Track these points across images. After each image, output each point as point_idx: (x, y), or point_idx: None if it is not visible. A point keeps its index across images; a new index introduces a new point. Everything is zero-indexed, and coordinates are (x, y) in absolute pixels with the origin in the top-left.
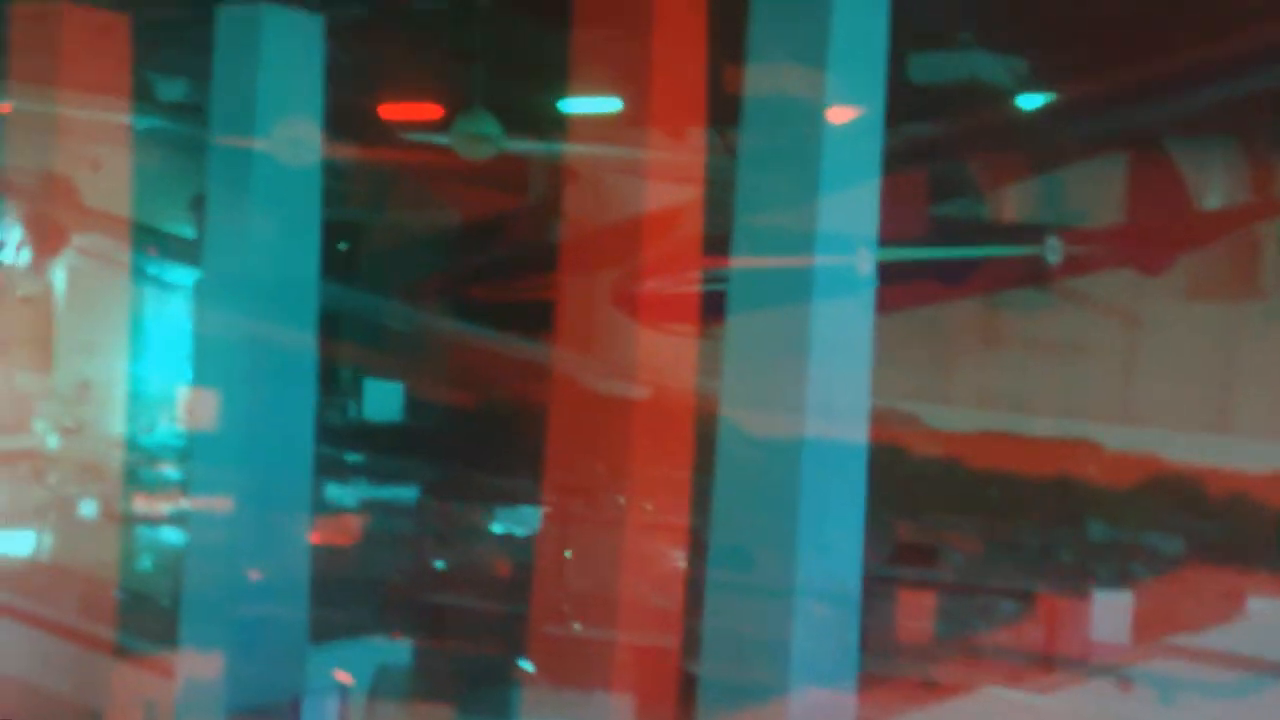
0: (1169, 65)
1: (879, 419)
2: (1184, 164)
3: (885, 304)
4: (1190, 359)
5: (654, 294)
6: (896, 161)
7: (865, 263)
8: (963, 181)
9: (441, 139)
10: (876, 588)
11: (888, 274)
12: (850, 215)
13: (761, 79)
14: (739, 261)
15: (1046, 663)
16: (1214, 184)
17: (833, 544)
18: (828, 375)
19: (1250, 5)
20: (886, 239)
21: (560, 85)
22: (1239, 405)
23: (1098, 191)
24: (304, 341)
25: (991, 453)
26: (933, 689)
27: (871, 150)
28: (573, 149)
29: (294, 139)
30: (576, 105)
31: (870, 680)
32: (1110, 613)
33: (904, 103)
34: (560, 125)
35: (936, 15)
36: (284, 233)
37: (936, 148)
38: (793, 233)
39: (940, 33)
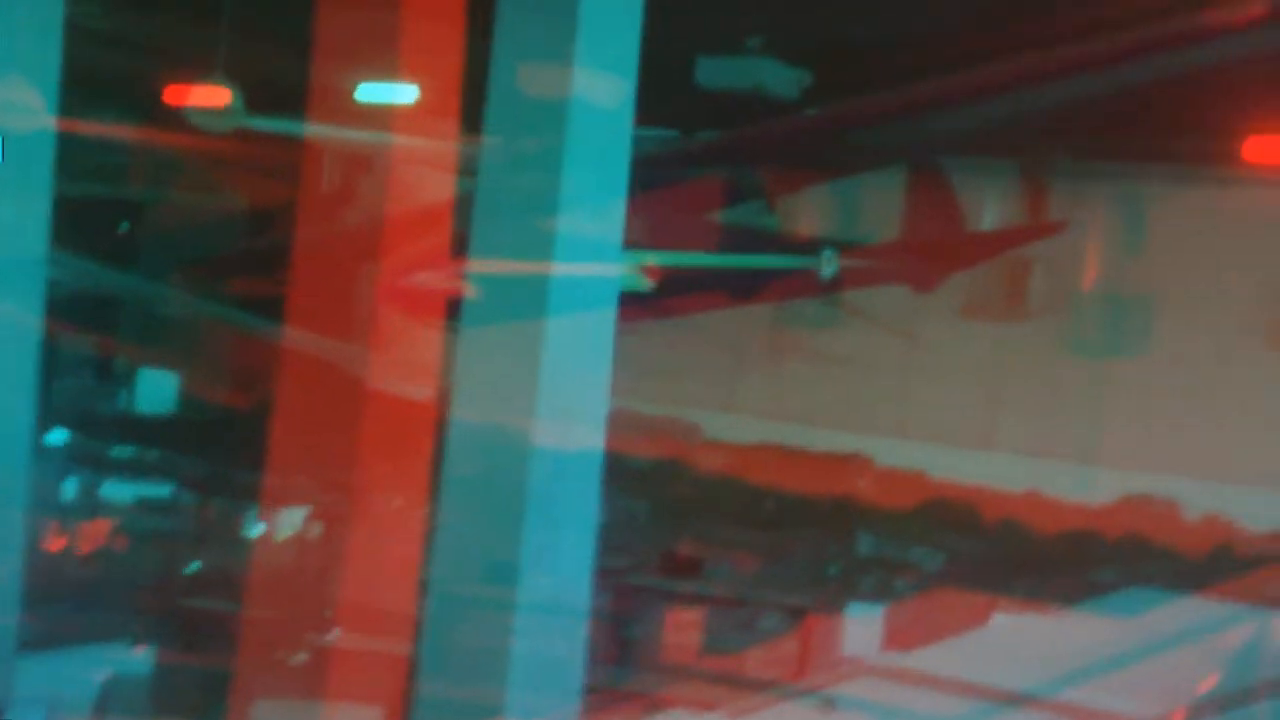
0: (947, 84)
1: (659, 428)
2: (960, 184)
3: (665, 311)
4: (961, 377)
5: (422, 289)
6: (678, 167)
7: (608, 269)
8: (745, 191)
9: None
10: (632, 600)
11: (667, 281)
12: (594, 221)
13: (506, 76)
14: (477, 264)
15: (767, 682)
16: (989, 205)
17: (561, 554)
18: (562, 383)
19: (1028, 29)
20: (665, 245)
21: (336, 67)
22: (1004, 423)
23: (877, 207)
24: (25, 324)
25: (770, 465)
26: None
27: (619, 156)
28: (363, 136)
29: (14, 103)
30: (369, 92)
31: (597, 695)
32: (862, 629)
33: (689, 108)
34: (341, 109)
35: (725, 21)
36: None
37: (719, 155)
38: (532, 237)
39: (729, 39)
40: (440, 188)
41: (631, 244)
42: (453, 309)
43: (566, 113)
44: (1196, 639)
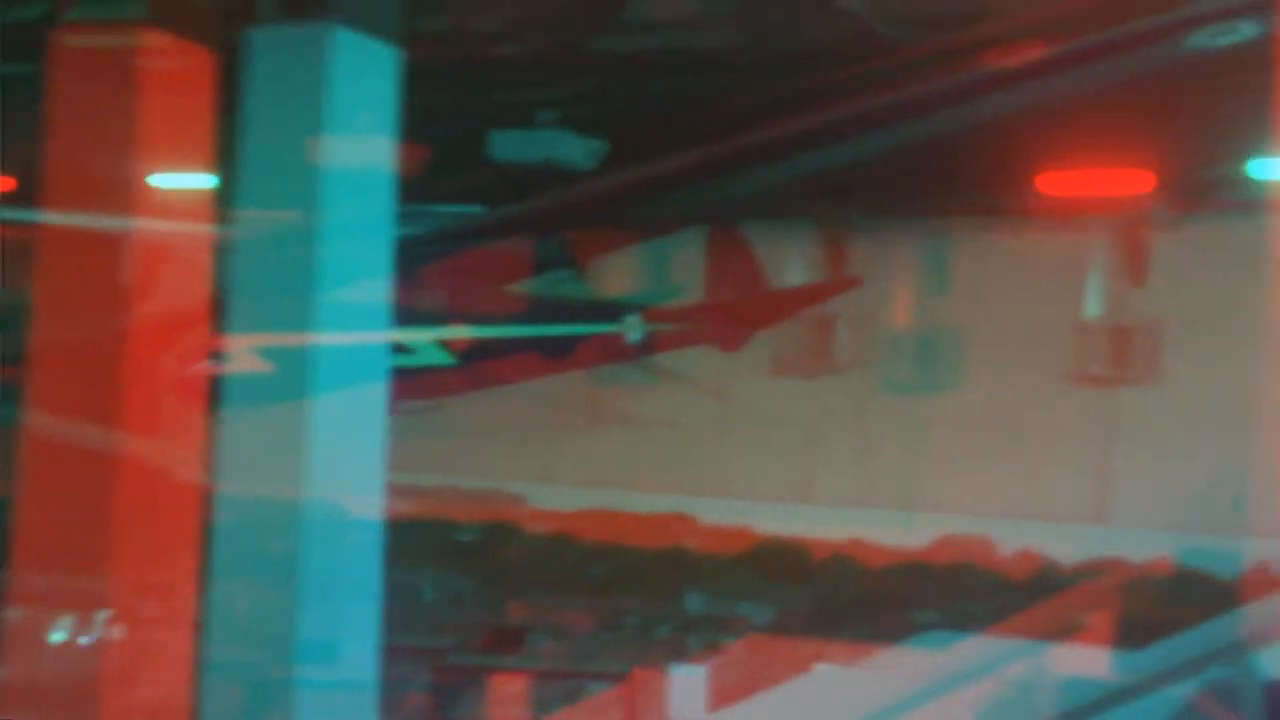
0: (738, 145)
1: (482, 500)
2: (760, 244)
3: (478, 381)
4: (777, 432)
5: (183, 370)
6: (481, 239)
7: (375, 339)
8: (550, 260)
9: None
10: (456, 678)
11: (478, 351)
12: (357, 292)
13: (256, 151)
14: (238, 341)
15: None
16: (789, 263)
17: (343, 630)
18: (332, 457)
19: (818, 83)
20: (472, 317)
21: (78, 150)
22: (819, 476)
23: (680, 271)
24: None
25: (594, 531)
26: None
27: (380, 227)
28: (112, 219)
29: None
30: (117, 173)
31: None
32: (687, 688)
33: (490, 182)
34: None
35: (517, 95)
36: None
37: (520, 226)
38: (292, 311)
39: (521, 112)
40: (198, 266)
41: (438, 316)
42: (216, 389)
43: (320, 186)
44: (1010, 672)
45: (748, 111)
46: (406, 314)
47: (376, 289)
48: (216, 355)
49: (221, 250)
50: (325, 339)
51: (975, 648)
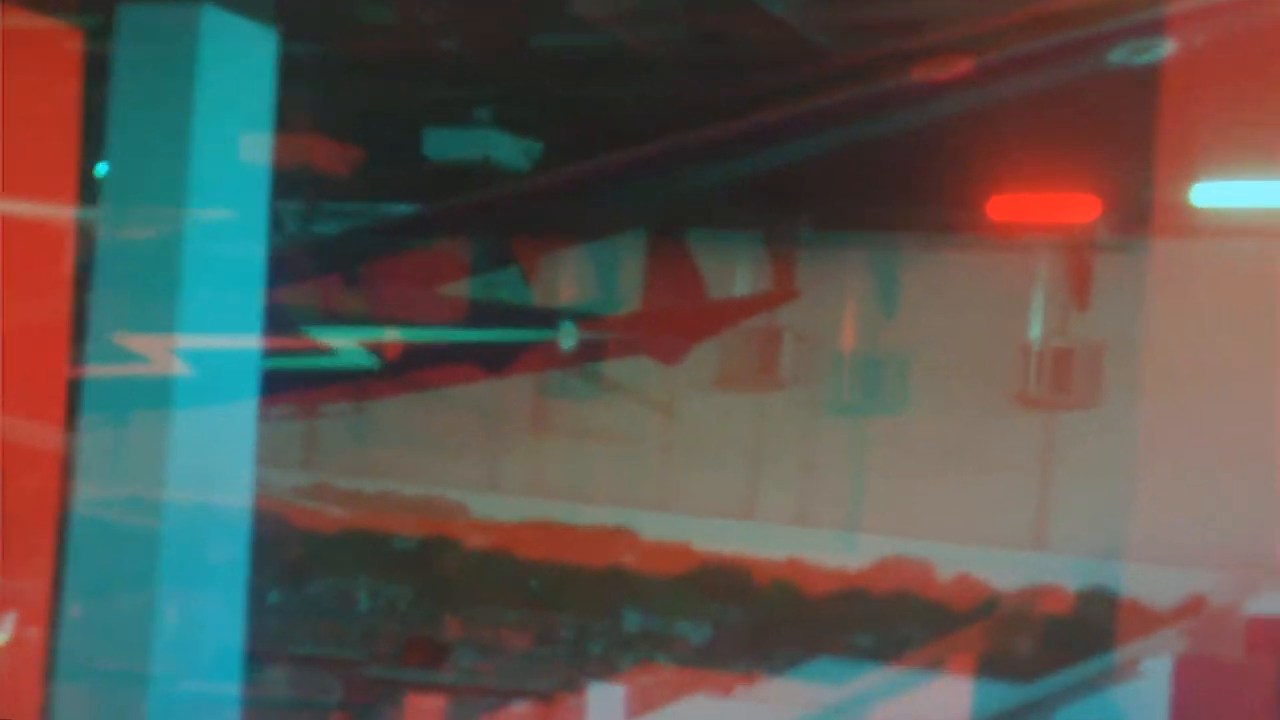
0: (676, 147)
1: (424, 508)
2: (701, 254)
3: (414, 385)
4: (719, 448)
5: (45, 369)
6: (412, 239)
7: (245, 343)
8: (484, 264)
9: None
10: (373, 691)
11: (413, 355)
12: (226, 291)
13: (124, 134)
14: (101, 341)
15: None
16: (732, 274)
17: (201, 634)
18: (197, 460)
19: (755, 89)
20: (402, 319)
21: None
22: (762, 493)
23: (619, 280)
24: None
25: (534, 543)
26: None
27: (254, 226)
28: None
29: None
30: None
31: None
32: (606, 707)
33: (417, 178)
34: None
35: (453, 93)
36: None
37: (453, 226)
38: (156, 311)
39: (457, 110)
40: (59, 258)
41: (364, 317)
42: (76, 388)
43: (188, 176)
44: (918, 699)
45: (685, 115)
46: (329, 314)
47: (249, 286)
48: (78, 353)
49: (85, 243)
50: (191, 338)
51: (889, 676)
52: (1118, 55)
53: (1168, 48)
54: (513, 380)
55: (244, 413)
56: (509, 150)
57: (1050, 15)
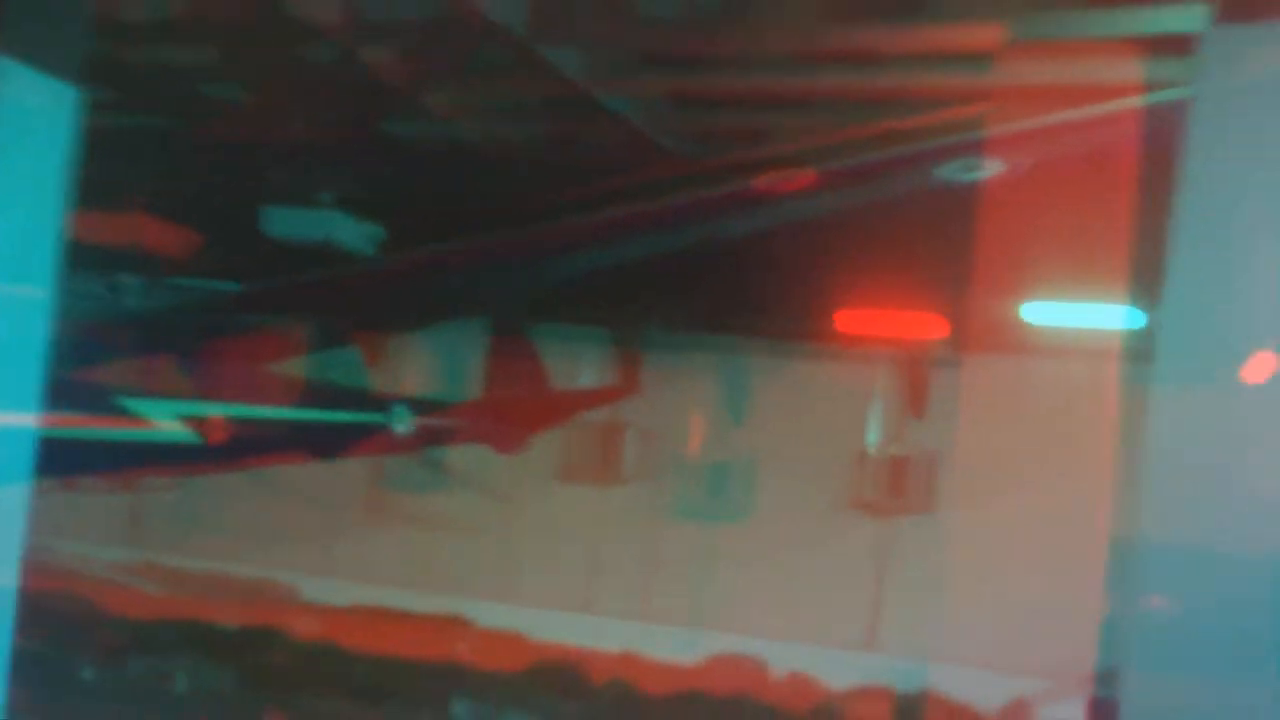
0: (516, 240)
1: (251, 591)
2: (546, 348)
3: (243, 466)
4: (560, 540)
5: None
6: (244, 317)
7: (21, 418)
8: (319, 344)
9: None
10: None
11: (245, 435)
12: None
13: None
14: None
15: None
16: (574, 368)
17: None
18: None
19: (599, 188)
20: (223, 394)
21: None
22: (601, 587)
23: (457, 367)
24: None
25: (367, 629)
26: None
27: (38, 292)
28: None
29: None
30: None
31: None
32: None
33: (256, 257)
34: None
35: (298, 175)
36: None
37: (287, 304)
38: None
39: (300, 191)
40: None
41: (187, 393)
42: None
43: None
44: None
45: (533, 209)
46: (156, 390)
47: (26, 361)
48: None
49: None
50: None
51: None
52: (951, 171)
53: (999, 166)
54: (349, 464)
55: (14, 491)
56: (351, 233)
57: (893, 132)
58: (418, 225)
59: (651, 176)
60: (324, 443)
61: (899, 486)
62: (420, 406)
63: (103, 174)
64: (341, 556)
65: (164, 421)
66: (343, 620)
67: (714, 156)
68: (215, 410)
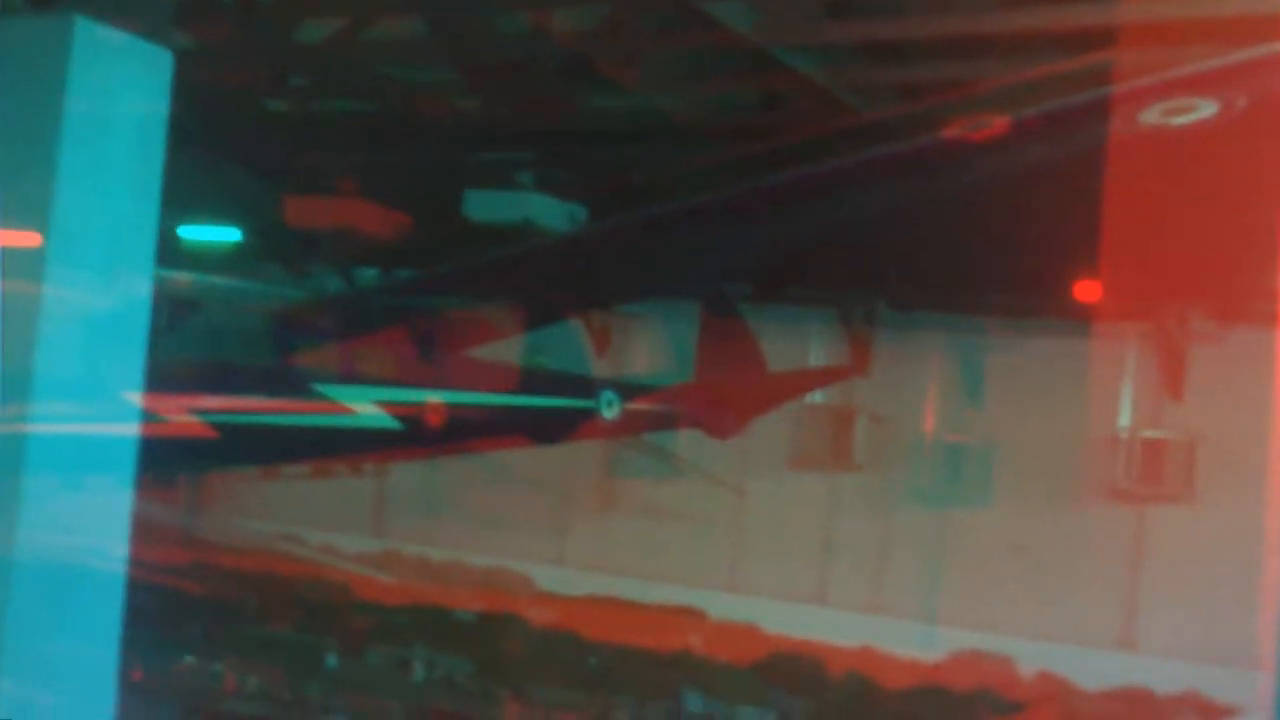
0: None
1: (488, 579)
2: (768, 329)
3: (465, 451)
4: (791, 530)
5: None
6: (447, 300)
7: (124, 397)
8: (525, 326)
9: None
10: None
11: (469, 422)
12: (96, 336)
13: None
14: None
15: None
16: (798, 350)
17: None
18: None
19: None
20: (442, 383)
21: None
22: (835, 578)
23: (674, 349)
24: None
25: (598, 619)
26: None
27: (133, 260)
28: None
29: None
30: None
31: None
32: None
33: (458, 240)
34: None
35: (499, 158)
36: None
37: (489, 287)
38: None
39: (501, 174)
40: None
41: (390, 379)
42: None
43: (54, 207)
44: None
45: (730, 177)
46: (354, 374)
47: (127, 333)
48: None
49: None
50: (52, 390)
51: None
52: (1176, 114)
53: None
54: (577, 453)
55: (114, 473)
56: (552, 212)
57: (1102, 69)
58: (619, 201)
59: (850, 133)
60: (534, 428)
61: (1155, 473)
62: (632, 391)
63: (303, 161)
64: (572, 546)
65: (367, 407)
66: (575, 609)
67: (910, 108)
68: (424, 396)
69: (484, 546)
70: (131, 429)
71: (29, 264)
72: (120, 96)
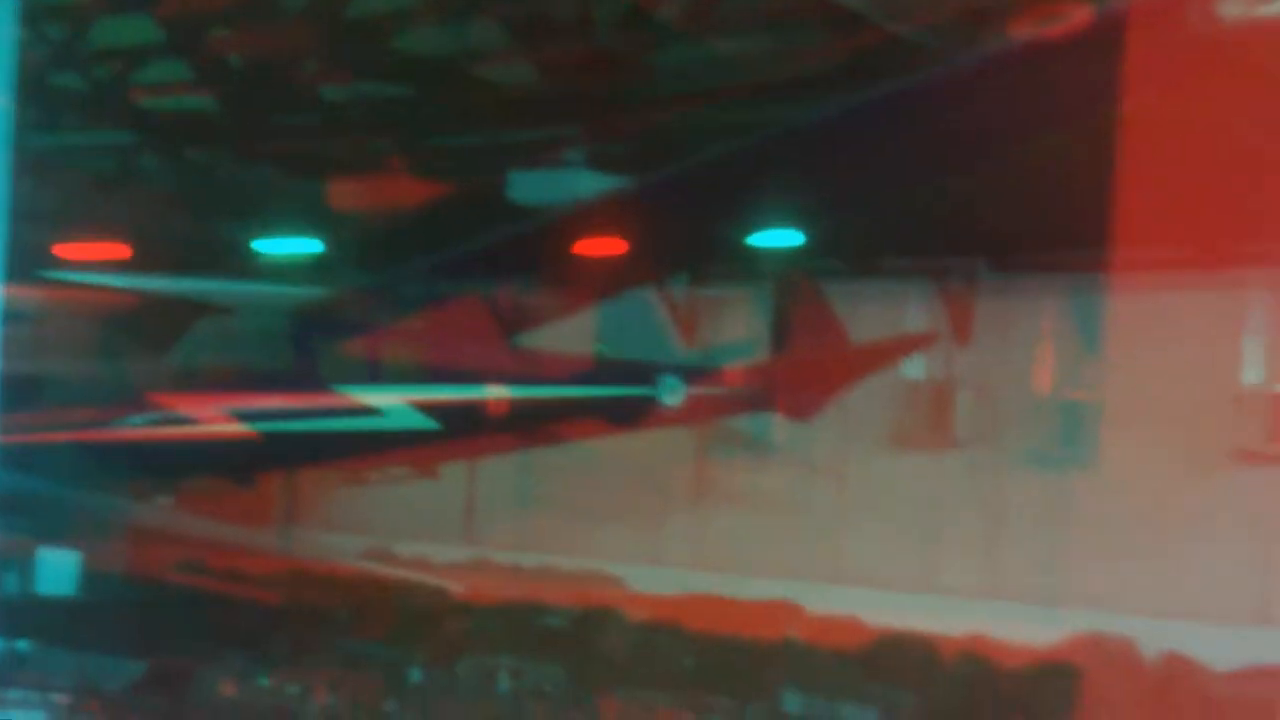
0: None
1: (578, 581)
2: (839, 290)
3: (541, 439)
4: (892, 513)
5: None
6: (477, 285)
7: None
8: (581, 307)
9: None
10: None
11: (537, 410)
12: None
13: None
14: None
15: None
16: (892, 318)
17: None
18: None
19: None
20: (473, 374)
21: None
22: (941, 562)
23: (742, 323)
24: None
25: (692, 618)
26: None
27: None
28: None
29: None
30: None
31: None
32: None
33: (502, 221)
34: None
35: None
36: None
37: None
38: None
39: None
40: None
41: (419, 373)
42: None
43: None
44: None
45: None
46: (384, 368)
47: None
48: None
49: None
50: None
51: None
52: None
53: None
54: (662, 442)
55: None
56: (601, 189)
57: None
58: (672, 172)
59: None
60: (595, 416)
61: None
62: (698, 373)
63: (343, 145)
64: (663, 543)
65: (387, 404)
66: (669, 610)
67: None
68: (477, 390)
69: (575, 548)
70: None
71: None
72: None
